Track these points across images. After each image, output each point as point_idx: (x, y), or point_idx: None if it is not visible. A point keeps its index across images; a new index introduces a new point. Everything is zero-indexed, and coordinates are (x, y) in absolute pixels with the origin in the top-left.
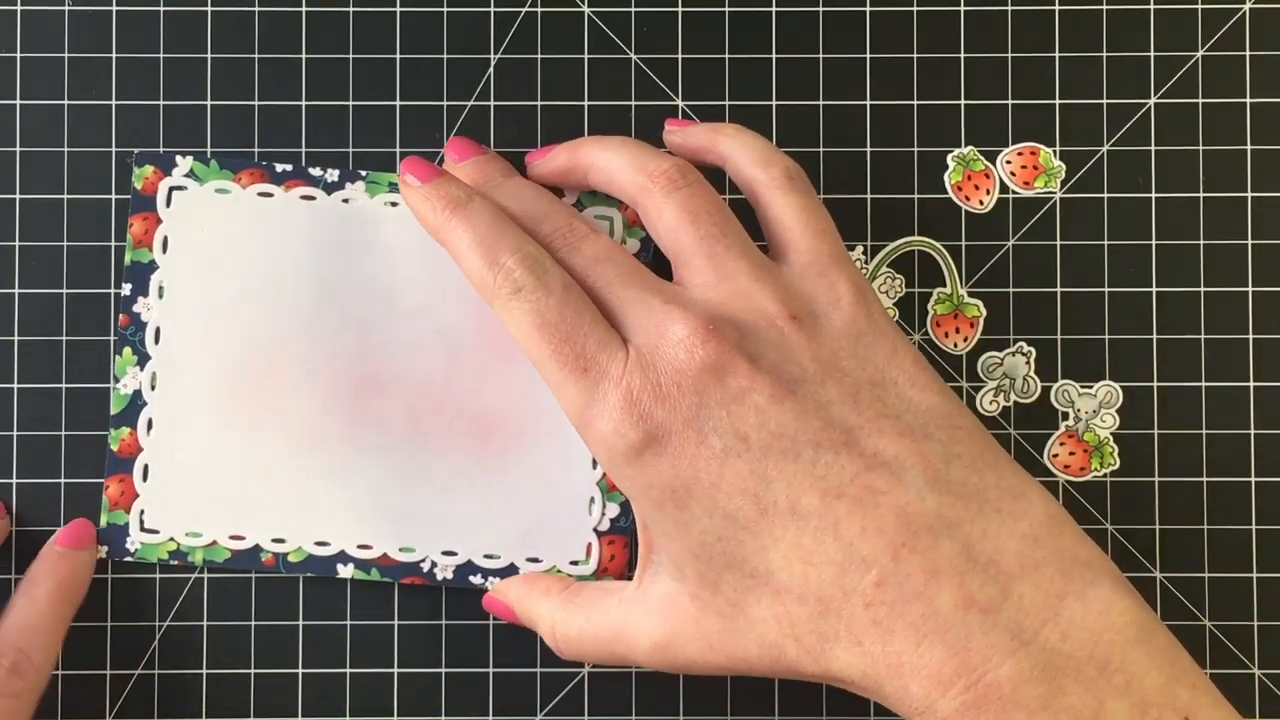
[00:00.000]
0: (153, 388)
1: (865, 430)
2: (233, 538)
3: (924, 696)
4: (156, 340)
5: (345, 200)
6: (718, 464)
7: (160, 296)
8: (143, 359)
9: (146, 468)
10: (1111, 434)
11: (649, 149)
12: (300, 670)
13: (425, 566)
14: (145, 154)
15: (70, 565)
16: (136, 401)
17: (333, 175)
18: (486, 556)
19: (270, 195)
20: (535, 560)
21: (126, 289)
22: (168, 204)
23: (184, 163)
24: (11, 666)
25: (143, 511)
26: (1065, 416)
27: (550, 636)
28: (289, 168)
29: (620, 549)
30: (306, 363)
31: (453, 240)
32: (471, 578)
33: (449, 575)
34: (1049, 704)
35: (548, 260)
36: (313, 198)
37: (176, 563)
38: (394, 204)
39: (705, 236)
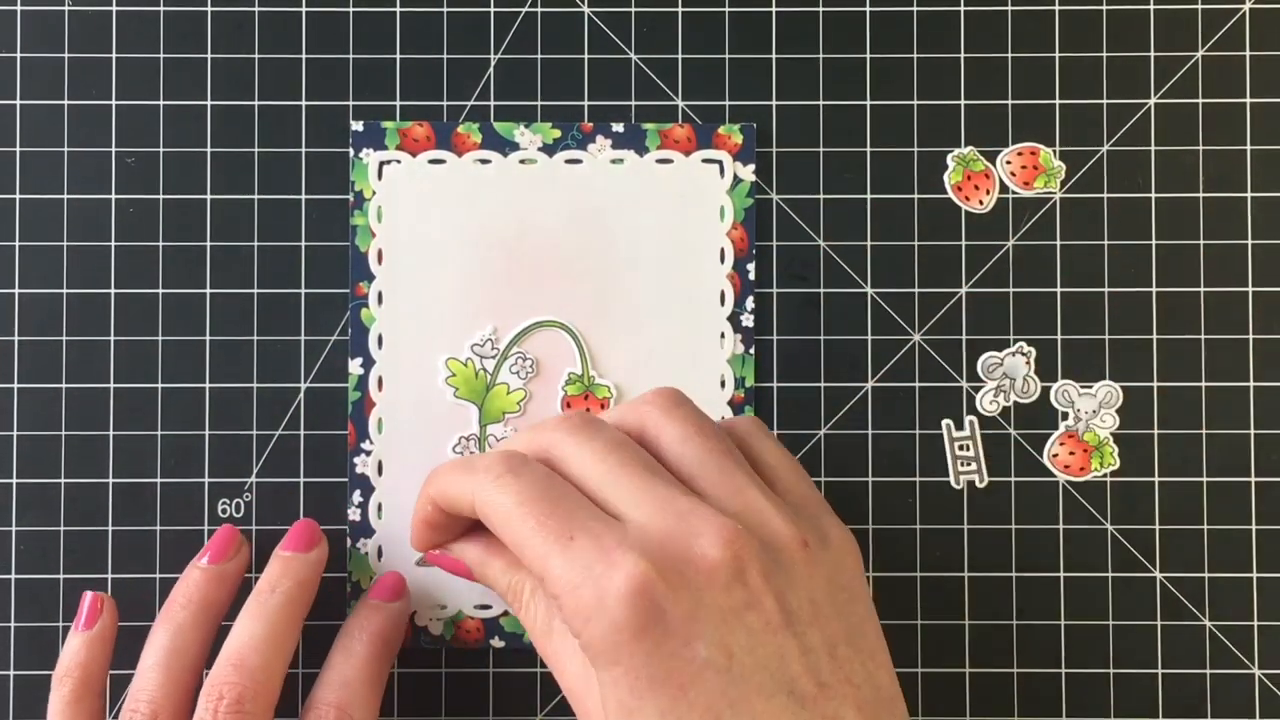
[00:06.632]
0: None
1: (833, 691)
2: None
3: None
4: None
5: None
6: (693, 671)
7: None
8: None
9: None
10: (1111, 434)
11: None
12: (300, 671)
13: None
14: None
15: (385, 618)
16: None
17: None
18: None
19: None
20: None
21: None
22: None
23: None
24: None
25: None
26: (1065, 416)
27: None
28: None
29: None
30: None
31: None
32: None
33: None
34: None
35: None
36: None
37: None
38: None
39: (713, 450)
